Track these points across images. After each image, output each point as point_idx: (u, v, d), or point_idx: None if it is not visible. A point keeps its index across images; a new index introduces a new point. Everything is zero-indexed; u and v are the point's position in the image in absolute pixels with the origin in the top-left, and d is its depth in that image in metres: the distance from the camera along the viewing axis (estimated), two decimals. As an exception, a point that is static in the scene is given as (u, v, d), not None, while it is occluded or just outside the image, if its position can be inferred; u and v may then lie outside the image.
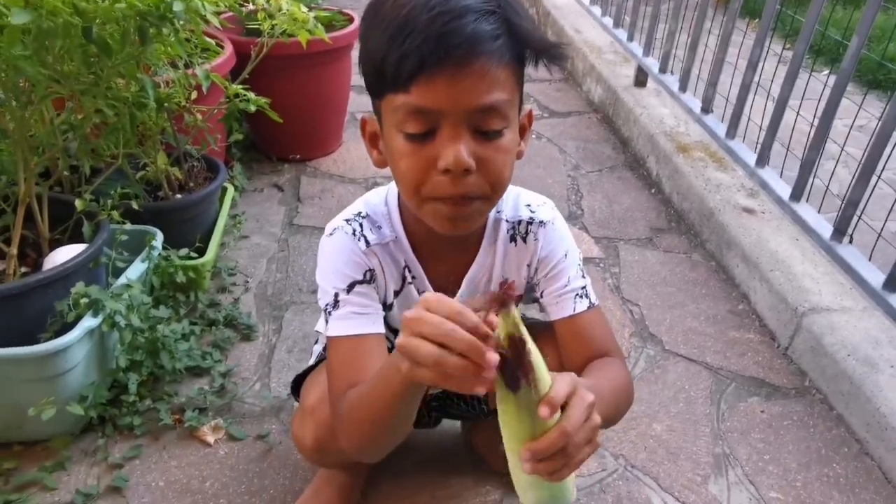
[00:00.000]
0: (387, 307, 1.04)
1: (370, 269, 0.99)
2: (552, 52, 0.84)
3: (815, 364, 1.61)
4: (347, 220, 1.00)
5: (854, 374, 1.49)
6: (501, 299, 0.63)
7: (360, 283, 0.98)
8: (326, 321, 0.98)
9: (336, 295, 0.97)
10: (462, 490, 1.33)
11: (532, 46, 0.82)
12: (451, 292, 1.04)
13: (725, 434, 1.48)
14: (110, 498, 1.27)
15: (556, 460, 0.68)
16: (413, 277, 1.03)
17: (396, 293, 1.04)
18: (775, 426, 1.50)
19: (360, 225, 1.00)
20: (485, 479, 1.35)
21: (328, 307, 0.97)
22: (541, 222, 1.04)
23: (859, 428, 1.47)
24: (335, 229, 1.00)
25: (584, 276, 1.04)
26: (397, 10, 0.77)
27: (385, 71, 0.78)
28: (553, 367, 0.69)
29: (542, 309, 1.08)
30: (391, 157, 0.87)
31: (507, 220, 1.03)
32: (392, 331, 1.07)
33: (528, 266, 1.05)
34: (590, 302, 1.03)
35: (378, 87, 0.83)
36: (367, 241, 0.99)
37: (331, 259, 0.98)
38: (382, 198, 1.03)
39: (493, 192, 0.86)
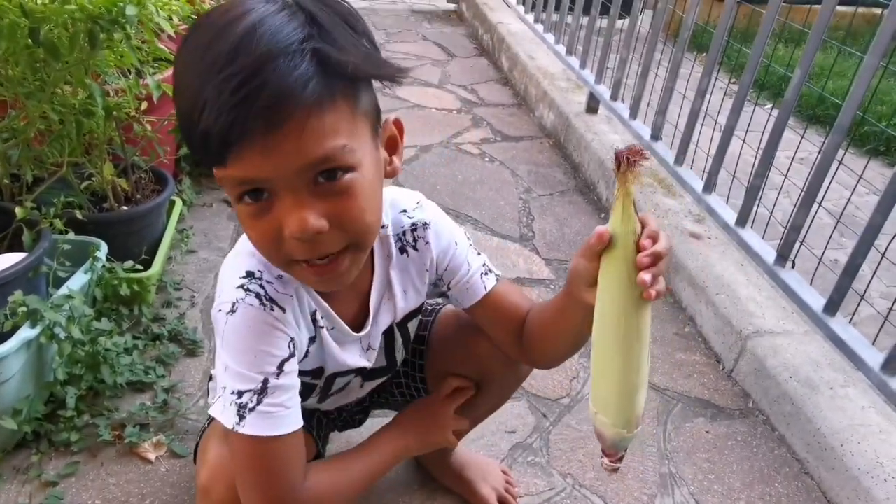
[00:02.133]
0: (304, 355, 0.94)
1: (291, 339, 0.87)
2: (385, 77, 0.74)
3: (758, 386, 1.65)
4: (245, 289, 0.84)
5: (795, 396, 1.53)
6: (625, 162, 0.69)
7: (288, 359, 0.86)
8: (242, 416, 0.83)
9: (265, 381, 0.83)
10: (410, 509, 1.31)
11: (353, 78, 0.71)
12: (362, 323, 0.99)
13: (672, 454, 1.50)
14: (42, 518, 1.22)
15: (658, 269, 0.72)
16: (323, 318, 0.94)
17: (312, 339, 0.95)
18: (720, 446, 1.53)
19: (262, 288, 0.85)
20: (433, 495, 1.34)
21: (252, 395, 0.83)
22: (424, 224, 0.99)
23: (800, 448, 1.51)
24: (234, 303, 0.84)
25: (479, 254, 1.04)
26: (194, 68, 0.67)
27: (193, 147, 0.70)
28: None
29: (454, 303, 1.07)
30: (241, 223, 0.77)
31: (392, 235, 0.98)
32: (306, 374, 0.97)
33: (428, 270, 1.02)
34: (496, 275, 1.04)
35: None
36: (280, 307, 0.85)
37: (247, 342, 0.84)
38: None
39: (362, 238, 0.79)
